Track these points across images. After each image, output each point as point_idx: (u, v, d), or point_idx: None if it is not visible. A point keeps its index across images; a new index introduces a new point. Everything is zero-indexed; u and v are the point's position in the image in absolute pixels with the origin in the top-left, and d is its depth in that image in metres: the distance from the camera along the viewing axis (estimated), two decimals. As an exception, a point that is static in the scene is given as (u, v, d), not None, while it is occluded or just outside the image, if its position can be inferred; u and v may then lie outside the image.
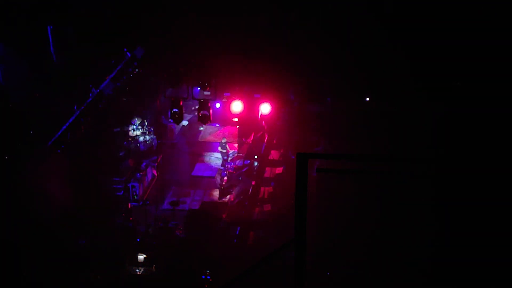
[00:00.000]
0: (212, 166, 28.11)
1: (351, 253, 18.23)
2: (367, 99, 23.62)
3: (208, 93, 24.41)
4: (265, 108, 26.17)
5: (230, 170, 26.90)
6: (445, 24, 20.67)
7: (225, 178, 26.02)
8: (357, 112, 23.53)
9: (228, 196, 25.31)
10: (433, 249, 16.68)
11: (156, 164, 27.24)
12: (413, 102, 21.46)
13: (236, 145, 29.10)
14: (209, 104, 23.64)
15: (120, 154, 26.04)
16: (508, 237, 14.82)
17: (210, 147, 29.71)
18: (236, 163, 27.75)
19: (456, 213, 16.96)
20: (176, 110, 23.51)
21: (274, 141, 28.85)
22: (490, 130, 18.44)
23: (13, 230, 18.49)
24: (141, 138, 27.45)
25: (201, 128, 30.07)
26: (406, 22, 21.47)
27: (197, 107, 24.37)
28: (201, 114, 23.58)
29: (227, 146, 28.20)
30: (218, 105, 25.99)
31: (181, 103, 23.63)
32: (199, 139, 30.31)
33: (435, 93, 20.85)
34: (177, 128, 29.07)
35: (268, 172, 27.23)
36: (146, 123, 27.70)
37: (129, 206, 23.37)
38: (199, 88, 23.92)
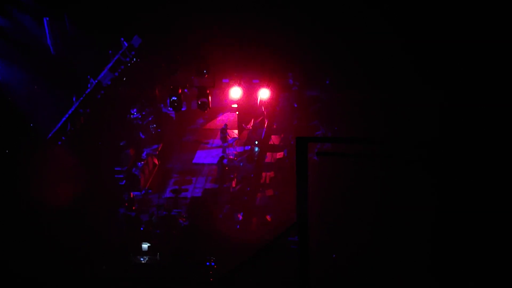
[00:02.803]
0: (213, 153, 28.11)
1: (353, 235, 18.30)
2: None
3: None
4: (264, 94, 26.19)
5: (231, 157, 26.92)
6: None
7: (226, 164, 26.04)
8: (356, 97, 23.52)
9: (229, 183, 25.33)
10: (433, 230, 16.75)
11: (157, 152, 27.26)
12: (413, 89, 21.43)
13: (236, 131, 29.09)
14: (208, 91, 23.64)
15: (121, 143, 26.04)
16: (507, 220, 14.89)
17: (211, 134, 29.72)
18: (237, 149, 27.76)
19: (456, 194, 17.01)
20: (175, 98, 23.50)
21: (274, 126, 28.85)
22: (492, 119, 18.42)
23: (15, 223, 18.53)
24: (141, 127, 27.48)
25: None
26: (405, 8, 21.44)
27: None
28: (200, 102, 23.56)
29: (228, 133, 28.20)
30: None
31: (180, 91, 23.63)
32: (199, 126, 30.36)
33: (436, 81, 20.81)
34: (177, 116, 29.07)
35: (269, 157, 27.24)
36: (145, 112, 27.68)
37: (132, 196, 23.39)
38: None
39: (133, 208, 23.09)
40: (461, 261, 15.23)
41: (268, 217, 19.63)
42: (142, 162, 25.58)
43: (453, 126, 19.09)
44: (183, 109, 25.15)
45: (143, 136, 27.40)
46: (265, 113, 28.54)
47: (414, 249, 16.72)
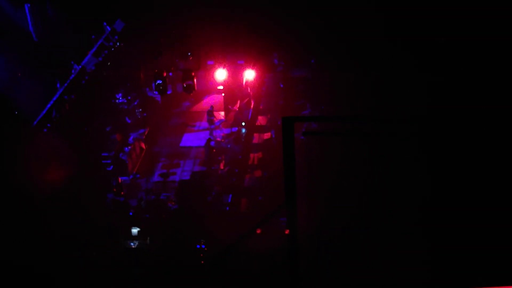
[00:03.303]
0: (200, 135, 28.06)
1: (342, 213, 18.35)
2: None
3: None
4: (249, 74, 26.12)
5: (218, 139, 26.89)
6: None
7: (214, 146, 26.01)
8: (342, 76, 23.50)
9: (217, 165, 25.32)
10: (423, 206, 16.81)
11: (144, 137, 27.17)
12: (400, 68, 21.40)
13: (222, 113, 29.04)
14: (193, 74, 23.52)
15: (107, 129, 25.92)
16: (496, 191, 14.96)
17: (197, 116, 29.65)
18: (224, 131, 27.73)
19: (445, 170, 17.06)
20: (160, 82, 23.37)
21: (261, 107, 28.83)
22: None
23: (3, 210, 18.44)
24: (127, 112, 27.36)
25: None
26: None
27: None
28: (186, 84, 23.44)
29: (214, 115, 28.14)
30: None
31: (165, 74, 23.50)
32: (185, 109, 30.28)
33: (423, 59, 20.79)
34: (162, 99, 28.96)
35: (256, 138, 27.23)
36: (131, 97, 27.54)
37: (120, 181, 23.33)
38: None
39: (122, 193, 23.05)
40: (452, 235, 15.29)
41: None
42: (129, 147, 25.49)
43: (441, 103, 19.11)
44: (168, 92, 25.02)
45: (129, 121, 27.29)
46: (251, 94, 28.49)
47: (404, 225, 16.79)
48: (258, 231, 17.26)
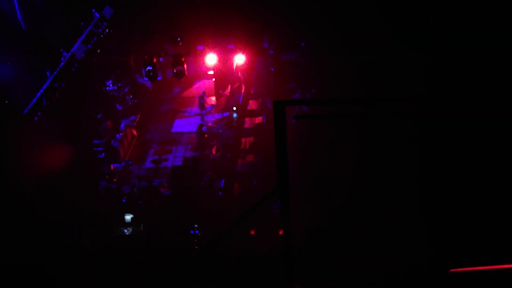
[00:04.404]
0: (192, 121, 28.03)
1: (334, 195, 18.38)
2: None
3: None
4: (240, 59, 26.07)
5: (210, 124, 26.86)
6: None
7: (205, 132, 25.99)
8: (332, 60, 23.46)
9: (209, 150, 25.32)
10: (414, 188, 16.85)
11: (135, 123, 27.12)
12: (390, 51, 21.36)
13: (213, 98, 29.00)
14: (183, 59, 23.45)
15: (98, 116, 25.85)
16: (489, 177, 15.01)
17: (188, 102, 29.61)
18: (215, 116, 27.70)
19: (437, 152, 17.09)
20: (150, 68, 23.29)
21: (252, 91, 28.80)
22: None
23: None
24: (117, 99, 27.28)
25: None
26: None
27: None
28: (176, 70, 23.37)
29: (205, 100, 28.10)
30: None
31: (155, 60, 23.42)
32: (176, 95, 30.24)
33: (413, 43, 20.76)
34: (153, 85, 28.89)
35: (248, 122, 27.23)
36: (121, 83, 27.45)
37: (112, 168, 23.31)
38: None
39: (114, 180, 23.03)
40: (449, 215, 15.34)
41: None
42: (121, 134, 25.45)
43: (433, 84, 19.12)
44: (158, 78, 24.97)
45: (120, 108, 27.21)
46: (241, 78, 28.45)
47: (394, 206, 16.84)
48: (252, 232, 17.33)
